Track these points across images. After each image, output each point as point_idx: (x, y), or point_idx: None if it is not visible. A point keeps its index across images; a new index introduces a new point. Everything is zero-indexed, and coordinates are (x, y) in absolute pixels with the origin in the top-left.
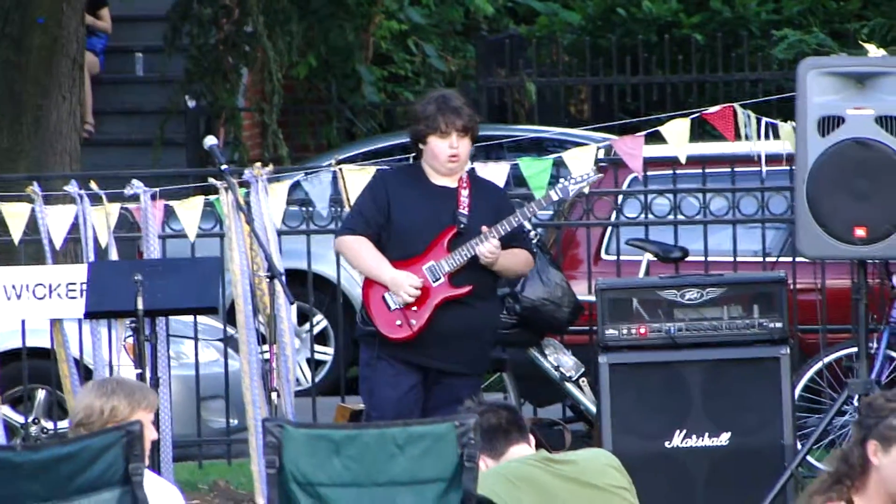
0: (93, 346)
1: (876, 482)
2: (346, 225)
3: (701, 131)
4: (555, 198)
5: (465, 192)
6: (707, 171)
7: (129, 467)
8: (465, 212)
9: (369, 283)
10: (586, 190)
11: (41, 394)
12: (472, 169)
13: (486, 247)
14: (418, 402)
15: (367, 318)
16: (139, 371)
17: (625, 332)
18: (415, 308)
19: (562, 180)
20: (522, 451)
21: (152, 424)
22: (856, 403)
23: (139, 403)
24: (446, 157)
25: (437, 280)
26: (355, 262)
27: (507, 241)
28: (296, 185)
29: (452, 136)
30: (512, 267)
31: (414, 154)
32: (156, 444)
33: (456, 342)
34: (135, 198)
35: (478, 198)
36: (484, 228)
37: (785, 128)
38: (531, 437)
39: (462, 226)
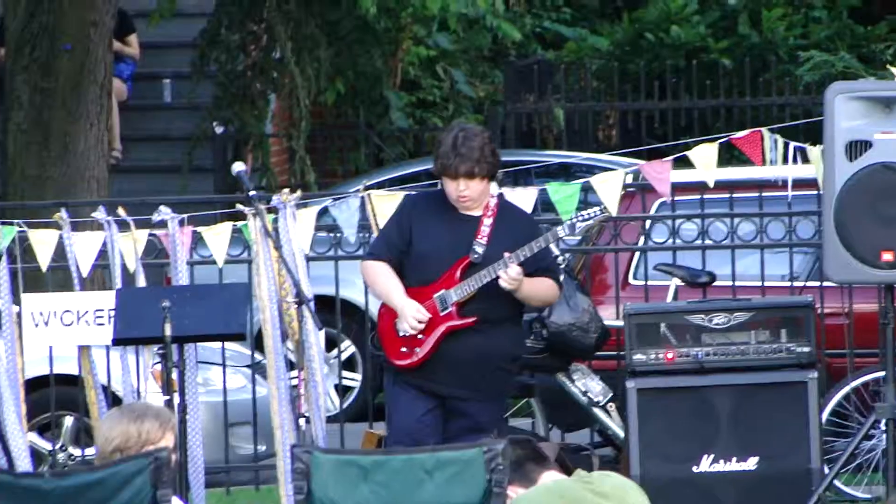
0: (121, 372)
1: None
2: (371, 250)
3: (729, 156)
4: (562, 234)
5: (487, 222)
6: (735, 195)
7: (157, 494)
8: (484, 241)
9: (385, 308)
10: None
11: (69, 420)
12: (501, 195)
13: (511, 273)
14: (436, 427)
15: (377, 341)
16: (167, 398)
17: (653, 356)
18: (420, 336)
19: (570, 217)
20: (553, 476)
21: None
22: (882, 427)
23: (167, 425)
24: (455, 197)
25: (445, 309)
26: (372, 286)
27: (533, 269)
28: (324, 211)
29: (460, 180)
30: (536, 294)
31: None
32: (184, 470)
33: (464, 369)
34: (162, 224)
35: (501, 227)
36: (506, 254)
37: (814, 152)
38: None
39: (476, 255)
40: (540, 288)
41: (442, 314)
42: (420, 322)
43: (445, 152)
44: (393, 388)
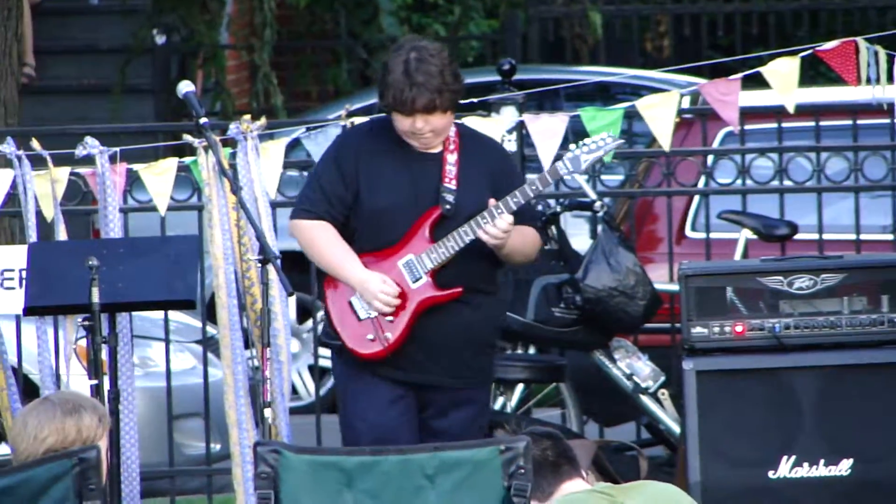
0: (37, 350)
1: None
2: (304, 205)
3: (814, 73)
4: (563, 172)
5: (451, 159)
6: (822, 123)
7: None
8: (452, 185)
9: (331, 284)
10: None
11: None
12: (461, 124)
13: (500, 225)
14: (414, 424)
15: (330, 329)
16: (94, 382)
17: (716, 330)
18: (390, 318)
19: (571, 148)
20: (576, 487)
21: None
22: None
23: (103, 419)
24: (411, 136)
25: (417, 280)
26: (315, 256)
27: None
28: (295, 144)
29: (416, 116)
30: (521, 250)
31: None
32: (116, 475)
33: (452, 350)
34: (88, 160)
35: (469, 165)
36: (492, 202)
37: None
38: (584, 473)
39: (448, 207)
40: (526, 241)
41: (414, 287)
42: (393, 298)
43: (396, 82)
44: (354, 380)
